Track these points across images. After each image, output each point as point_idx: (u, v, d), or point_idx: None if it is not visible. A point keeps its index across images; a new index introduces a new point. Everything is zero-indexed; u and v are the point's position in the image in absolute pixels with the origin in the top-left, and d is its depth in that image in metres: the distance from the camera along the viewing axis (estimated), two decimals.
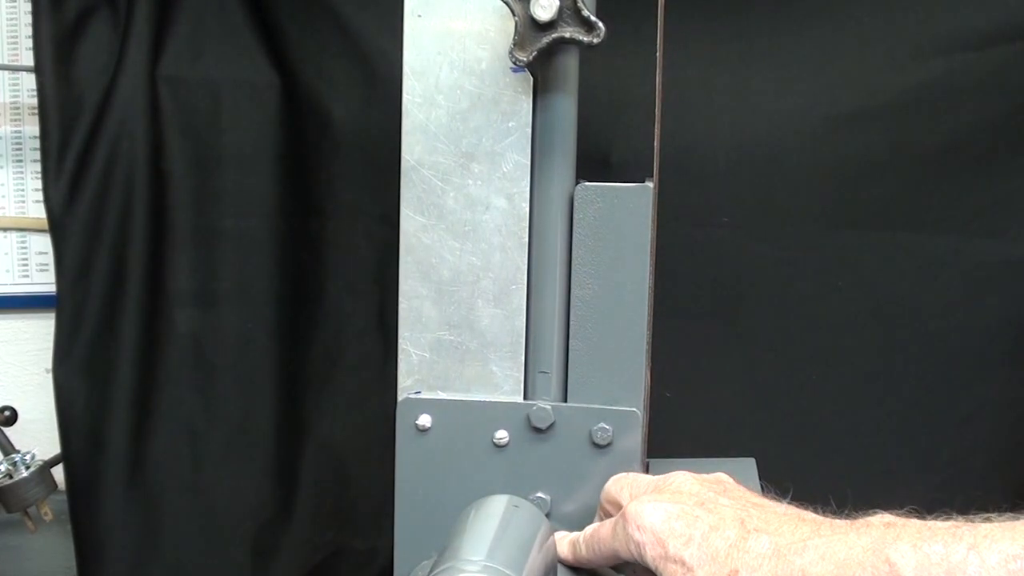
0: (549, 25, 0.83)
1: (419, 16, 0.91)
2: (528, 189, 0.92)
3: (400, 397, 0.96)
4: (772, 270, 1.48)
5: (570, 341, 0.93)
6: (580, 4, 0.82)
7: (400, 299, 0.95)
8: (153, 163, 1.57)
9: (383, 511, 1.68)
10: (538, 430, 0.93)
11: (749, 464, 1.02)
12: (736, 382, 1.51)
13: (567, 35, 0.83)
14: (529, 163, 0.91)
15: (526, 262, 0.93)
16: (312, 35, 1.55)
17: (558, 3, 0.82)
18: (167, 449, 1.61)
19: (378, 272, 1.61)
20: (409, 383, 0.96)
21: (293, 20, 1.56)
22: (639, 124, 1.58)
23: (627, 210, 0.91)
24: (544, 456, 0.94)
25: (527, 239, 0.93)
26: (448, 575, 0.74)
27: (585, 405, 0.93)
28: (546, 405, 0.93)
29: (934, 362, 1.47)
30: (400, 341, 0.96)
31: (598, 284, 0.92)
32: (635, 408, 0.92)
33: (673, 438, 1.63)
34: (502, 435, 0.94)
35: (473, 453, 0.95)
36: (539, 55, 0.84)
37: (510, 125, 0.90)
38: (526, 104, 0.90)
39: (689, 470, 0.90)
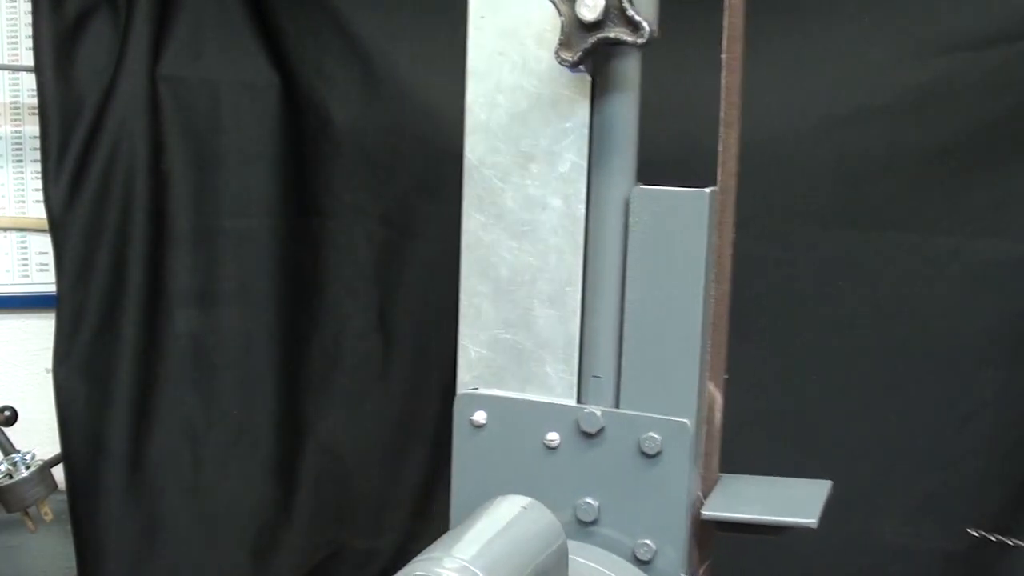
0: (595, 25, 0.82)
1: (482, 17, 0.90)
2: (584, 191, 0.90)
3: (458, 392, 0.96)
4: (772, 270, 1.48)
5: (623, 346, 0.91)
6: (625, 4, 0.80)
7: (461, 296, 0.94)
8: (153, 163, 1.57)
9: (383, 511, 1.68)
10: (587, 435, 0.91)
11: (822, 486, 0.96)
12: (736, 382, 1.51)
13: (612, 35, 0.81)
14: (586, 164, 0.89)
15: (581, 264, 0.91)
16: (312, 35, 1.56)
17: (603, 3, 0.81)
18: (167, 449, 1.61)
19: (378, 272, 1.61)
20: (468, 379, 0.95)
21: (293, 20, 1.56)
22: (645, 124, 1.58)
23: (683, 216, 0.88)
24: (593, 461, 0.91)
25: (582, 241, 0.91)
26: (423, 566, 0.75)
27: (635, 412, 0.90)
28: (596, 410, 0.90)
29: (934, 362, 1.47)
30: (460, 337, 0.95)
31: (652, 290, 0.89)
32: (686, 419, 0.88)
33: None
34: (553, 437, 0.92)
35: (524, 453, 0.94)
36: (584, 55, 0.82)
37: (567, 126, 0.89)
38: (583, 105, 0.89)
39: (771, 488, 0.88)
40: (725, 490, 0.93)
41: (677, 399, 0.89)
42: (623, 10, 0.80)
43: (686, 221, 0.88)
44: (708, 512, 0.89)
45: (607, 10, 0.81)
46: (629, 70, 0.88)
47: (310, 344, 1.63)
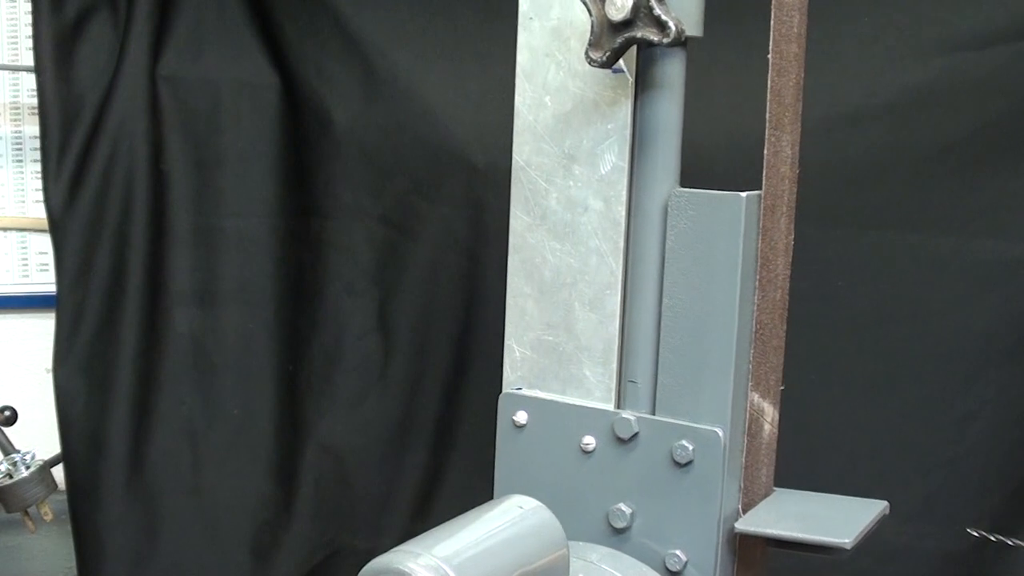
0: (624, 25, 0.81)
1: (531, 19, 0.90)
2: (625, 193, 0.89)
3: (503, 392, 0.96)
4: None
5: (659, 352, 0.89)
6: (653, 3, 0.80)
7: (507, 296, 0.95)
8: (153, 163, 1.57)
9: (383, 511, 1.68)
10: (621, 440, 0.89)
11: (875, 507, 0.93)
12: None
13: (639, 35, 0.81)
14: (627, 166, 0.88)
15: (621, 267, 0.90)
16: (312, 35, 1.56)
17: (631, 3, 0.80)
18: (167, 449, 1.61)
19: (378, 272, 1.61)
20: (513, 378, 0.96)
21: (293, 20, 1.56)
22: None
23: (719, 220, 0.85)
24: (626, 468, 0.90)
25: (623, 244, 0.89)
26: (398, 558, 0.75)
27: (668, 420, 0.88)
28: (630, 416, 0.89)
29: (934, 362, 1.47)
30: (506, 336, 0.96)
31: (688, 295, 0.87)
32: (718, 428, 0.86)
33: None
34: (589, 441, 0.91)
35: (562, 455, 0.92)
36: (613, 55, 0.82)
37: (609, 127, 0.88)
38: (624, 106, 0.88)
39: (819, 505, 0.86)
40: (771, 504, 0.91)
41: (710, 408, 0.87)
42: (650, 10, 0.80)
43: (723, 225, 0.86)
44: (741, 526, 0.87)
45: (636, 10, 0.81)
46: (670, 71, 0.87)
47: (310, 344, 1.63)
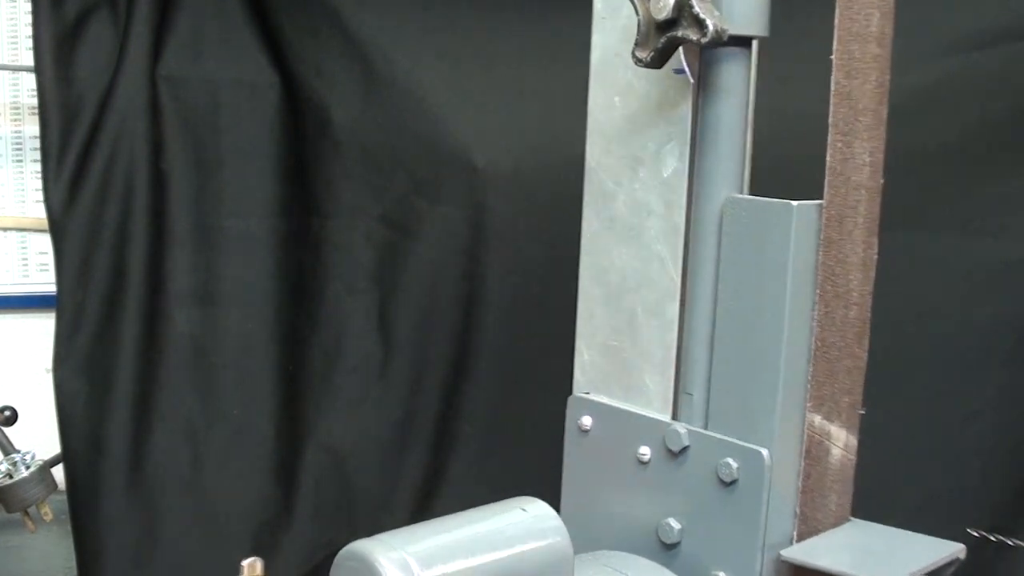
0: (668, 24, 0.79)
1: (603, 18, 0.89)
2: (685, 197, 0.85)
3: (572, 395, 0.95)
4: None
5: (712, 365, 0.85)
6: (693, 2, 0.78)
7: (578, 298, 0.94)
8: (153, 163, 1.57)
9: (383, 511, 1.68)
10: (672, 453, 0.86)
11: (948, 548, 0.86)
12: None
13: (680, 34, 0.79)
14: (687, 169, 0.85)
15: (680, 274, 0.86)
16: (312, 35, 1.56)
17: (673, 2, 0.78)
18: (167, 449, 1.61)
19: (378, 272, 1.61)
20: (582, 381, 0.94)
21: (293, 20, 1.56)
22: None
23: (769, 229, 0.81)
24: (677, 482, 0.86)
25: (682, 250, 0.86)
26: (365, 544, 0.75)
27: (717, 435, 0.84)
28: (681, 428, 0.85)
29: (934, 362, 1.47)
30: (576, 338, 0.95)
31: (738, 306, 0.83)
32: (763, 448, 0.81)
33: None
34: (644, 451, 0.88)
35: (620, 464, 0.90)
36: (657, 54, 0.80)
37: (671, 129, 0.85)
38: (685, 108, 0.84)
39: (885, 540, 0.82)
40: (833, 535, 0.86)
41: (757, 426, 0.82)
42: (690, 8, 0.78)
43: (772, 234, 0.81)
44: (786, 554, 0.82)
45: (679, 8, 0.79)
46: (732, 73, 0.84)
47: (310, 344, 1.63)
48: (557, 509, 0.84)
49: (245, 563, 0.82)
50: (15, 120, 1.81)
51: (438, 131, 1.53)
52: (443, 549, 0.76)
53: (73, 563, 1.61)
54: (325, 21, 1.54)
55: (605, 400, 0.92)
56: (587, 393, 0.94)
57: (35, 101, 1.57)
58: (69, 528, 1.60)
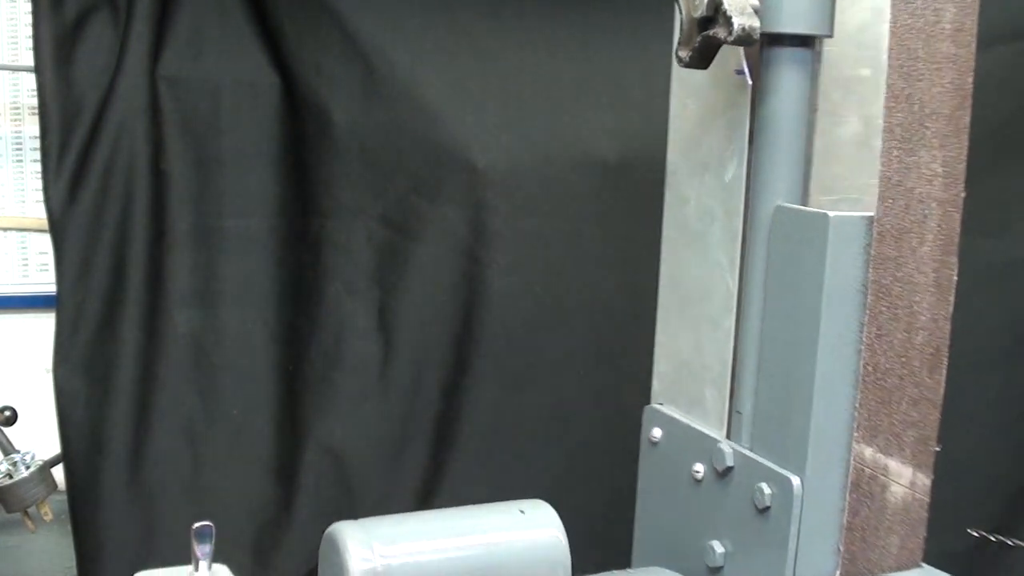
0: (705, 22, 0.76)
1: None
2: (742, 204, 0.81)
3: (648, 405, 0.92)
4: None
5: (758, 384, 0.80)
6: (722, 1, 0.75)
7: (658, 306, 0.91)
8: (153, 163, 1.57)
9: (383, 511, 1.68)
10: (718, 473, 0.82)
11: None
12: None
13: (711, 33, 0.76)
14: (744, 175, 0.80)
15: (736, 284, 0.81)
16: (312, 35, 1.55)
17: (707, 1, 0.76)
18: (167, 449, 1.61)
19: (378, 272, 1.61)
20: (658, 390, 0.91)
21: (293, 20, 1.56)
22: (639, 124, 1.58)
23: (807, 241, 0.74)
24: (721, 503, 0.82)
25: (738, 259, 0.81)
26: (340, 527, 0.74)
27: (758, 458, 0.78)
28: (727, 448, 0.81)
29: None
30: (655, 346, 0.92)
31: (779, 323, 0.77)
32: (794, 476, 0.75)
33: None
34: (699, 469, 0.84)
35: (679, 479, 0.86)
36: (695, 53, 0.78)
37: (731, 133, 0.81)
38: (743, 111, 0.80)
39: None
40: None
41: (791, 451, 0.76)
42: (719, 6, 0.75)
43: (809, 247, 0.74)
44: None
45: (713, 6, 0.76)
46: (786, 75, 0.78)
47: (310, 344, 1.63)
48: (558, 511, 0.83)
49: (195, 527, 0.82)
50: (15, 120, 1.81)
51: (438, 131, 1.53)
52: (413, 534, 0.76)
53: (73, 563, 1.61)
54: (325, 21, 1.54)
55: (672, 413, 0.88)
56: (661, 404, 0.90)
57: (35, 101, 1.57)
58: (69, 528, 1.60)
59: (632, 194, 1.57)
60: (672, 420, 0.87)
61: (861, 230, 0.73)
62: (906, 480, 0.78)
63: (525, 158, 1.55)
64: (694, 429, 0.85)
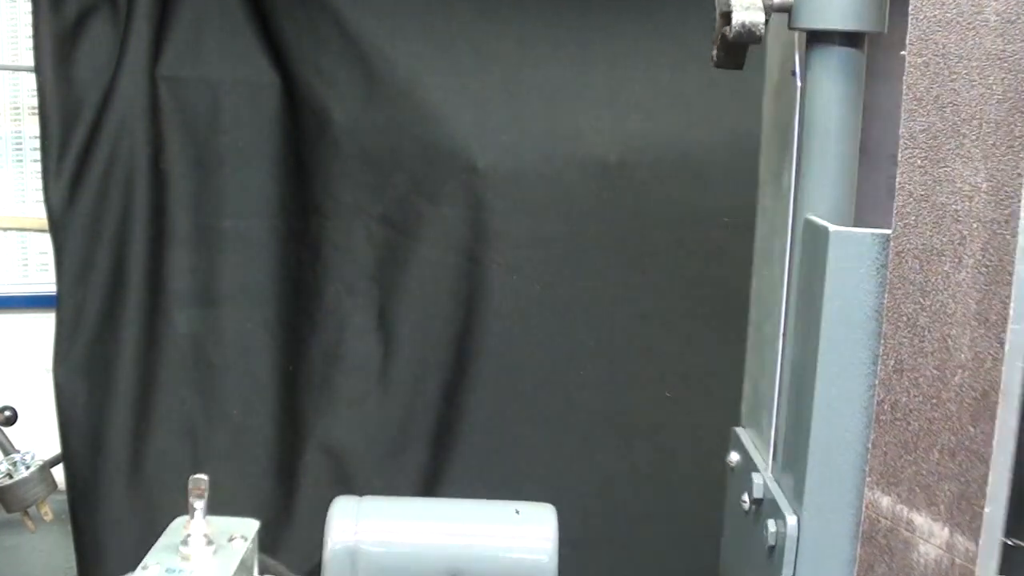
0: (726, 18, 0.71)
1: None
2: (789, 213, 0.74)
3: (733, 428, 0.87)
4: None
5: (781, 410, 0.75)
6: (728, 2, 0.71)
7: (749, 324, 0.86)
8: (153, 163, 1.57)
9: None
10: (753, 504, 0.76)
11: None
12: (737, 382, 1.51)
13: (724, 32, 0.72)
14: (792, 183, 0.73)
15: (784, 302, 0.74)
16: (312, 35, 1.56)
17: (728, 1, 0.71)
18: (167, 449, 1.61)
19: (378, 272, 1.61)
20: (744, 411, 0.85)
21: (293, 20, 1.56)
22: (637, 124, 1.58)
23: (816, 257, 0.67)
24: (752, 536, 0.75)
25: (786, 275, 0.74)
26: (340, 500, 0.77)
27: (776, 492, 0.72)
28: (758, 479, 0.75)
29: None
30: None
31: (796, 346, 0.71)
32: (791, 515, 0.69)
33: (674, 437, 1.63)
34: (746, 499, 0.78)
35: (737, 507, 0.80)
36: (718, 51, 0.73)
37: (786, 140, 0.75)
38: (794, 115, 0.74)
39: None
40: None
41: (795, 489, 0.70)
42: (727, 3, 0.71)
43: (815, 265, 0.67)
44: None
45: (728, 2, 0.71)
46: (826, 73, 0.71)
47: (310, 344, 1.63)
48: (558, 511, 0.82)
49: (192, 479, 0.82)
50: (15, 120, 1.81)
51: (438, 131, 1.53)
52: (401, 516, 0.76)
53: (73, 563, 1.61)
54: (325, 21, 1.54)
55: (745, 437, 0.83)
56: (743, 427, 0.84)
57: (35, 101, 1.57)
58: (69, 528, 1.60)
59: (632, 194, 1.57)
60: (741, 445, 0.81)
61: (871, 248, 0.64)
62: (940, 542, 0.63)
63: (525, 158, 1.55)
64: (749, 455, 0.79)
